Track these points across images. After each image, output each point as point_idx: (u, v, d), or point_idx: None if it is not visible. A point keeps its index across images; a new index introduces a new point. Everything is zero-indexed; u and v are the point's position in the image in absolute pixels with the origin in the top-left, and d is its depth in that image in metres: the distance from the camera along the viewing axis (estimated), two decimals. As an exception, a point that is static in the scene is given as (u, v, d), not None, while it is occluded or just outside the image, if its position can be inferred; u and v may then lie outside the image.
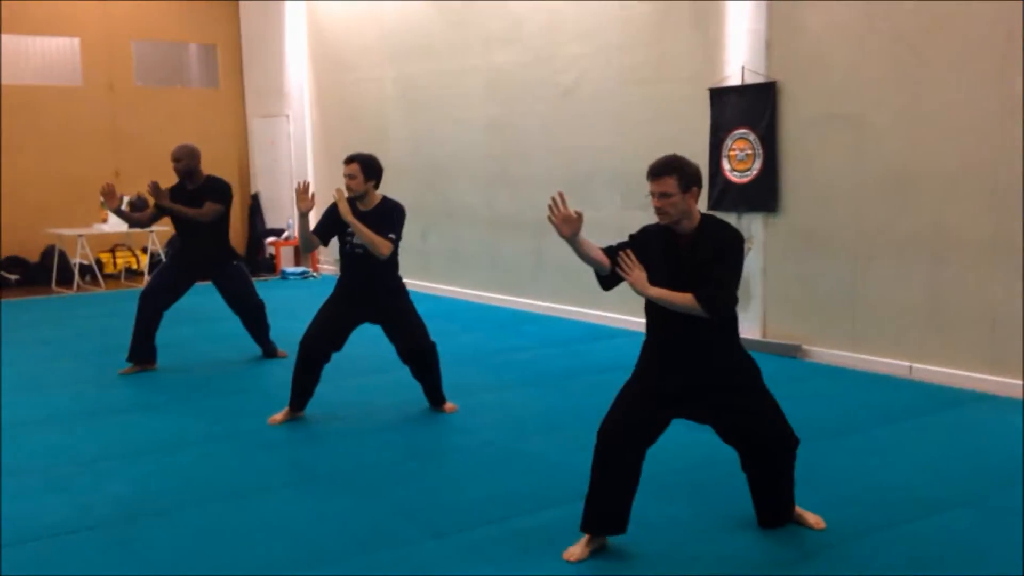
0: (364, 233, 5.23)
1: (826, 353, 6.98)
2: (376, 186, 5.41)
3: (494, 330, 8.49)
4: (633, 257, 3.56)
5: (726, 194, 7.54)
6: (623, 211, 8.38)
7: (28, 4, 11.99)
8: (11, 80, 12.03)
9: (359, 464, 4.82)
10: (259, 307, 7.16)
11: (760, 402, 3.69)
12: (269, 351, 7.28)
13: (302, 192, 5.27)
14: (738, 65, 7.34)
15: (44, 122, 12.10)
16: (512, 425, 5.45)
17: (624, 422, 3.59)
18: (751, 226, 7.42)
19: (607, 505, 3.58)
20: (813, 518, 3.87)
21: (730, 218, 7.50)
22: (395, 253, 5.42)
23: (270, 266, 12.60)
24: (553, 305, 9.17)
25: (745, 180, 7.41)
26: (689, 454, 4.76)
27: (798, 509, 3.89)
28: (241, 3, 13.48)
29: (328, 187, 12.55)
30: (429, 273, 10.58)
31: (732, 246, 3.53)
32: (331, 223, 5.42)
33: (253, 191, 13.50)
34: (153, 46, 13.37)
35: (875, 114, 6.56)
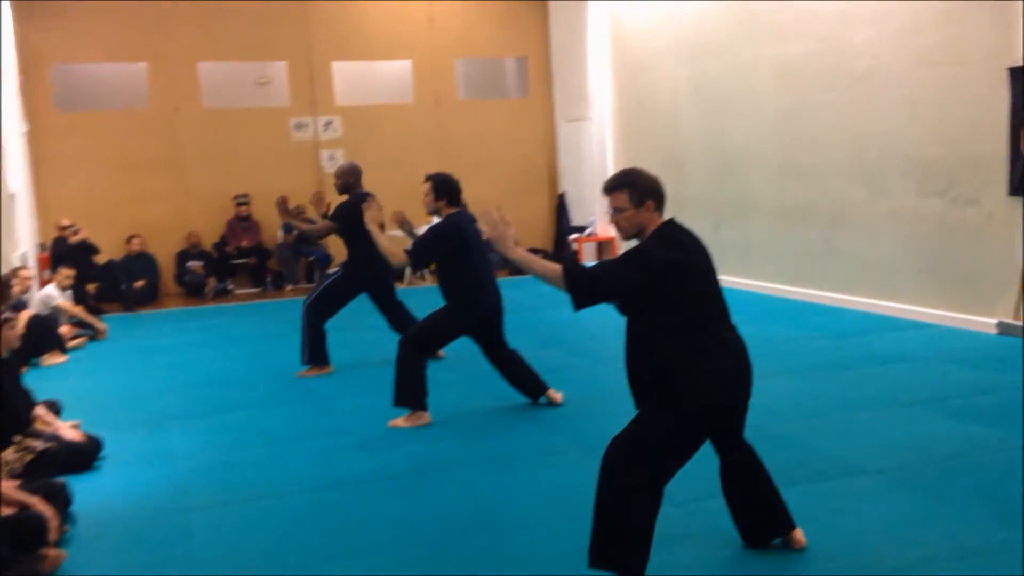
0: (379, 241, 5.68)
1: None
2: (449, 203, 5.84)
3: (777, 321, 8.52)
4: (504, 216, 3.50)
5: (1028, 177, 7.09)
6: (918, 199, 8.11)
7: (367, 32, 13.67)
8: (354, 102, 13.79)
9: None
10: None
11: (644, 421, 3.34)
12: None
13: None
14: (1039, 40, 6.89)
15: (382, 137, 13.72)
16: (769, 411, 5.61)
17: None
18: (1057, 211, 6.94)
19: None
20: None
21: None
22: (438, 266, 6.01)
23: (573, 261, 13.37)
24: (844, 296, 9.02)
25: (1050, 162, 6.93)
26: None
27: None
28: (551, 15, 14.38)
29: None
30: (721, 265, 10.67)
31: (638, 248, 3.33)
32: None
33: (560, 191, 14.36)
34: (474, 62, 14.68)
35: None
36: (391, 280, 7.71)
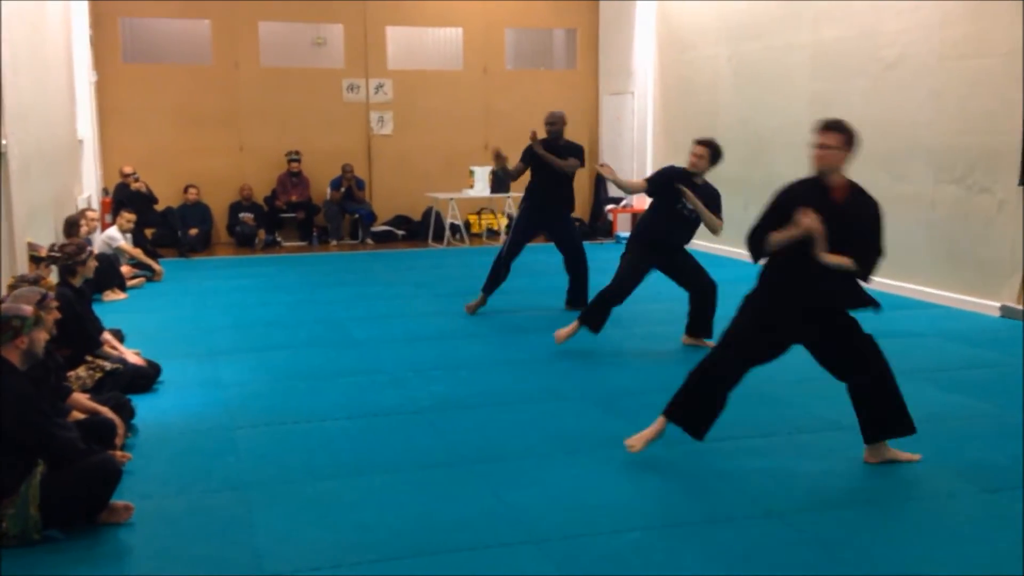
0: (701, 210, 6.40)
1: None
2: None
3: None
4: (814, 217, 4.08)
5: (1041, 170, 7.40)
6: (935, 186, 8.43)
7: (421, 2, 14.13)
8: (405, 66, 14.28)
9: (642, 387, 5.78)
10: (583, 252, 8.49)
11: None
12: (575, 303, 8.35)
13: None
14: (1058, 38, 7.17)
15: (430, 102, 14.21)
16: (768, 374, 6.04)
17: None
18: (1066, 203, 7.24)
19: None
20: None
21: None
22: None
23: (607, 231, 13.80)
24: (861, 276, 9.37)
25: (1062, 155, 7.23)
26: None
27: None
28: (601, -11, 14.71)
29: (665, 158, 13.46)
30: (750, 242, 11.13)
31: (881, 216, 4.19)
32: (667, 185, 6.54)
33: (600, 163, 14.74)
34: (523, 33, 15.08)
35: None
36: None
